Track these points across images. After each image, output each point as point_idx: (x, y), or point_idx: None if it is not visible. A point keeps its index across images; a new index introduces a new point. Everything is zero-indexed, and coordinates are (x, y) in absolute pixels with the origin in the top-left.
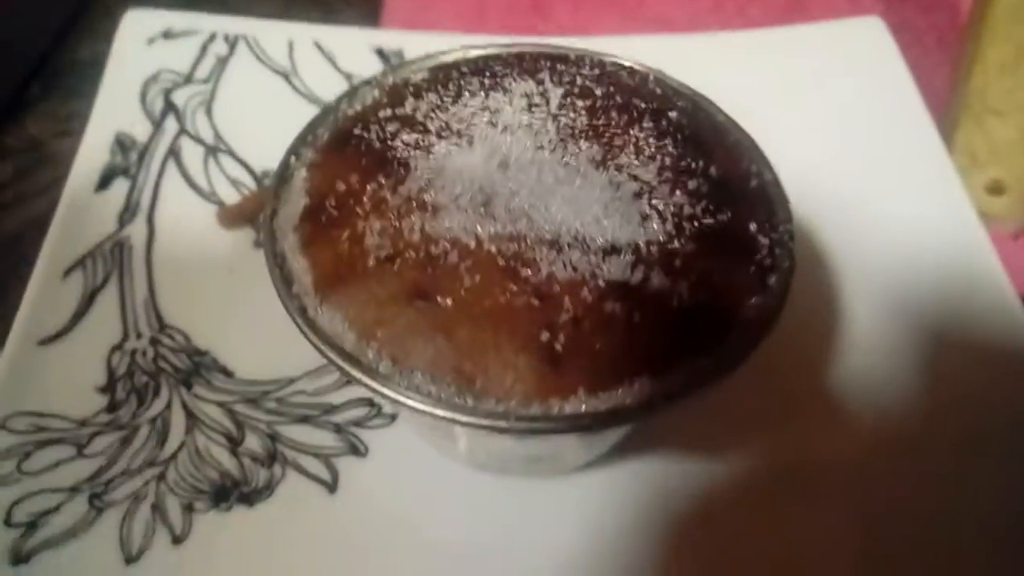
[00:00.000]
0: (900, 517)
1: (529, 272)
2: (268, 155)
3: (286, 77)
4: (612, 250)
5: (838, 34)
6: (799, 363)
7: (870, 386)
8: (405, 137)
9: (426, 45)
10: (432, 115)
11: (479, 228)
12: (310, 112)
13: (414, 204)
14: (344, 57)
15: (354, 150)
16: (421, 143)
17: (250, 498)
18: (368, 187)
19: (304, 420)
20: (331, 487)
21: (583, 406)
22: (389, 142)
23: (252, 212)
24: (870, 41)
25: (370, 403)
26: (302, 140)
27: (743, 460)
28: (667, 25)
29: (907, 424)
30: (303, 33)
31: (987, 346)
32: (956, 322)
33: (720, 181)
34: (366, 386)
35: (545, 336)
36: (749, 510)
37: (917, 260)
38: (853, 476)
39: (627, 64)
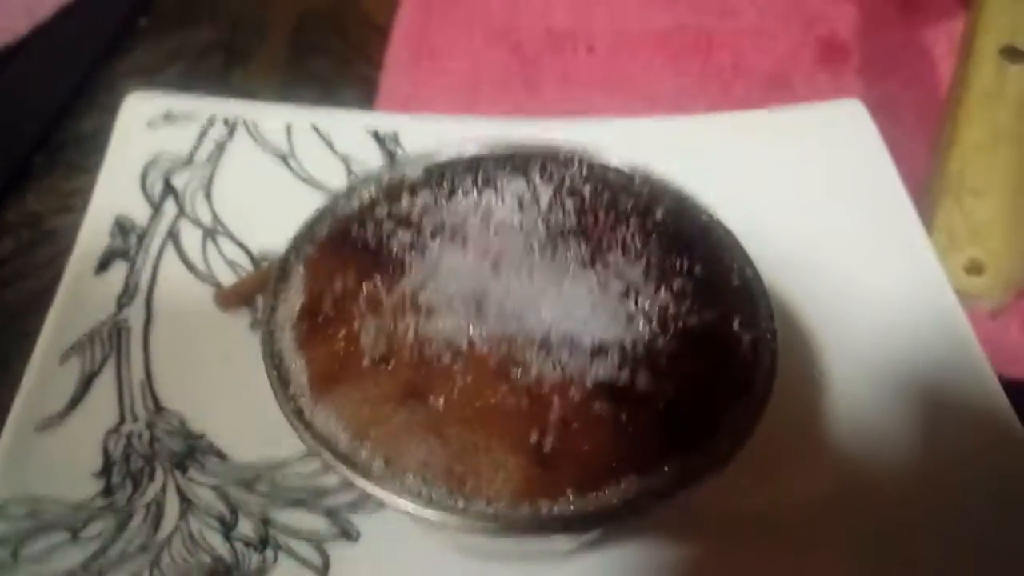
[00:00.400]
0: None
1: (519, 373)
2: (266, 237)
3: (284, 160)
4: (600, 351)
5: (818, 116)
6: (783, 439)
7: (854, 462)
8: (401, 236)
9: (421, 127)
10: (427, 214)
11: (471, 329)
12: (307, 194)
13: (408, 305)
14: (341, 140)
15: (351, 249)
16: (416, 243)
17: None
18: (364, 287)
19: (297, 504)
20: (321, 572)
21: (571, 507)
22: (385, 241)
23: (249, 293)
24: (850, 123)
25: None
26: (301, 238)
27: (733, 537)
28: (653, 102)
29: (890, 499)
30: (301, 116)
31: (966, 424)
32: (935, 401)
33: (703, 280)
34: (360, 487)
35: (534, 437)
36: None
37: (896, 339)
38: (843, 547)
39: (614, 164)
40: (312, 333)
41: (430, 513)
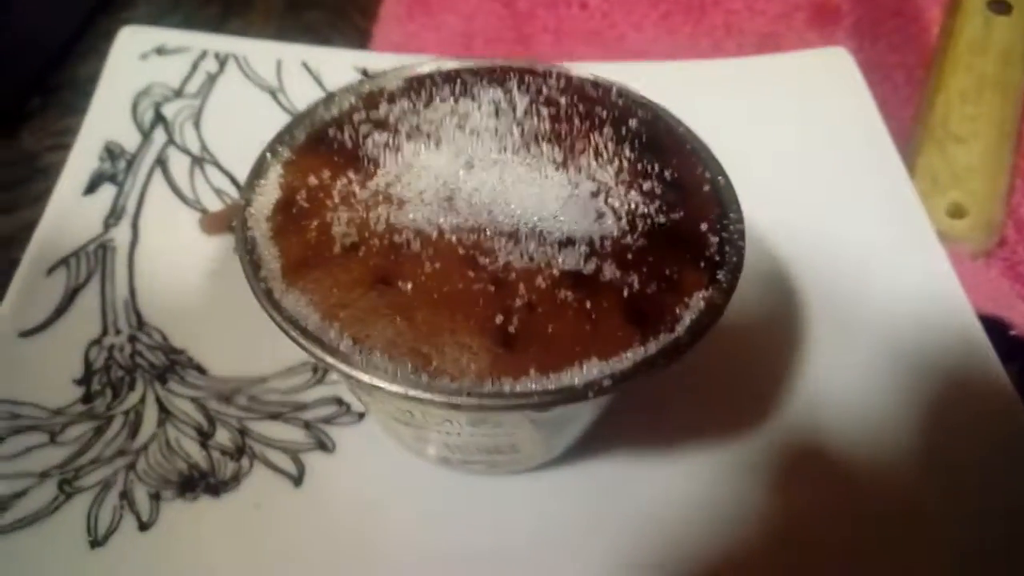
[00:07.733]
0: (851, 512)
1: (487, 260)
2: None
3: (273, 94)
4: (568, 242)
5: (805, 63)
6: (757, 372)
7: (829, 397)
8: (376, 137)
9: None
10: (403, 118)
11: (441, 220)
12: None
13: (381, 197)
14: (330, 77)
15: (327, 149)
16: (391, 143)
17: (216, 488)
18: (338, 182)
19: (274, 417)
20: (296, 480)
21: (533, 385)
22: (361, 142)
23: (234, 220)
24: (835, 69)
25: (339, 401)
26: (279, 139)
27: (701, 460)
28: (645, 58)
29: (863, 434)
30: (291, 53)
31: (946, 364)
32: (916, 341)
33: (674, 183)
34: (324, 362)
35: (500, 319)
36: (707, 508)
37: (879, 280)
38: (805, 472)
39: (591, 77)
40: (286, 224)
41: (394, 387)
